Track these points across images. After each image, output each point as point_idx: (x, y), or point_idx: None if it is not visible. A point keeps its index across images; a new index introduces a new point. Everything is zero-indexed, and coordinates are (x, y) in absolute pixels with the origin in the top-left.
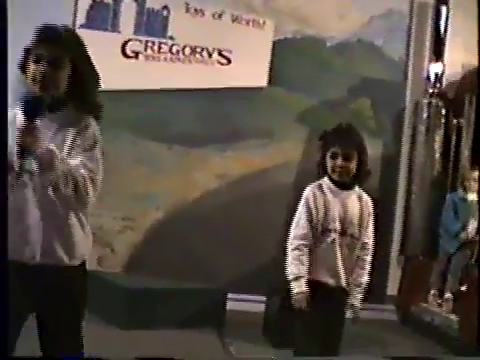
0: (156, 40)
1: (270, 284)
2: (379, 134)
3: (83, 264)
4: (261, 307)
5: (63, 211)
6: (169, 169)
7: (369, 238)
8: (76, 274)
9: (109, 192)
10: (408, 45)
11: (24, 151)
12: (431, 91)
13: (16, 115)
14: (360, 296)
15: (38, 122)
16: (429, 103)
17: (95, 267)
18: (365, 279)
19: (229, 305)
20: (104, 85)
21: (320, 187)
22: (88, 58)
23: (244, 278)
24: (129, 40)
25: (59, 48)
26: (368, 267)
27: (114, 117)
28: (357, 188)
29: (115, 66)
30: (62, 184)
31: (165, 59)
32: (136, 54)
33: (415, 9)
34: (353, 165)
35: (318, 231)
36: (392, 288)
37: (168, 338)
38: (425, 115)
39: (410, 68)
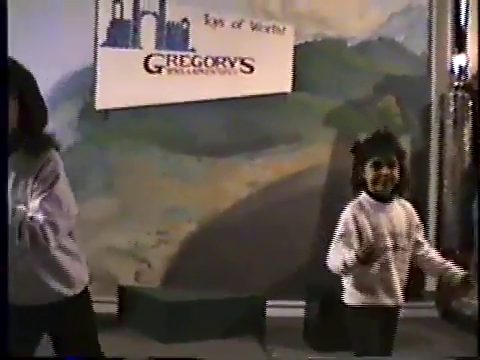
0: (178, 53)
1: (308, 288)
2: (407, 131)
3: (85, 290)
4: (300, 312)
5: (38, 252)
6: (199, 180)
7: (420, 235)
8: (81, 302)
9: (141, 207)
10: (430, 39)
11: None
12: (456, 84)
13: None
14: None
15: None
16: (455, 96)
17: (133, 283)
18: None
19: (268, 312)
20: (129, 101)
21: (360, 206)
22: (37, 90)
23: (282, 284)
24: (151, 55)
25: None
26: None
27: (142, 132)
28: (398, 198)
29: (139, 82)
30: (17, 237)
31: (188, 72)
32: (159, 69)
33: (434, 2)
34: (396, 172)
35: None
36: (430, 284)
37: (209, 349)
38: (452, 108)
39: (433, 62)
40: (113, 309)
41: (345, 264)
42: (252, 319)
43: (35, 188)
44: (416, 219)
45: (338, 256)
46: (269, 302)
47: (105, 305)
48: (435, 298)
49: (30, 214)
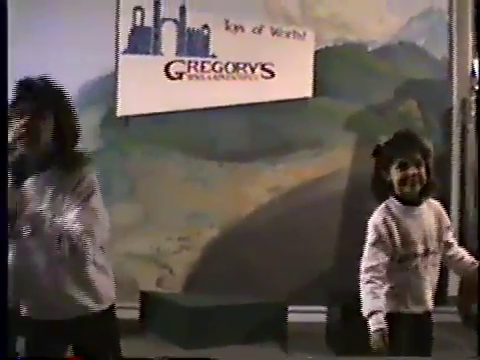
0: (199, 59)
1: (330, 293)
2: (428, 135)
3: (112, 307)
4: (322, 317)
5: (73, 265)
6: (221, 186)
7: (449, 236)
8: (107, 317)
9: (163, 213)
10: (450, 43)
11: (13, 214)
12: (478, 87)
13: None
14: None
15: (29, 185)
16: (477, 100)
17: (154, 289)
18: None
19: (290, 317)
20: (151, 108)
21: (389, 210)
22: (70, 108)
23: (303, 289)
24: (172, 62)
25: (40, 102)
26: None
27: (163, 138)
28: (426, 200)
29: (160, 88)
30: (56, 246)
31: (209, 77)
32: (180, 75)
33: (454, 5)
34: (424, 172)
35: (395, 260)
36: (453, 289)
37: (230, 355)
38: (473, 112)
39: (454, 66)
40: (135, 315)
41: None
42: (274, 324)
43: (71, 202)
44: (446, 220)
45: (369, 300)
46: (291, 307)
47: (127, 311)
48: (457, 303)
49: (68, 225)
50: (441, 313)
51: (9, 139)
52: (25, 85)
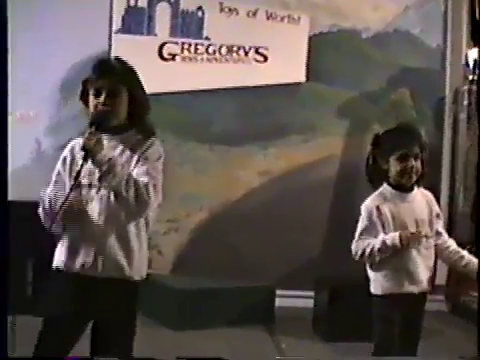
0: (192, 41)
1: (317, 279)
2: (420, 123)
3: (141, 281)
4: (310, 302)
5: (126, 223)
6: (212, 169)
7: (439, 225)
8: (135, 288)
9: None
10: (445, 32)
11: (87, 153)
12: (471, 78)
13: (74, 147)
14: None
15: (103, 135)
16: (469, 90)
17: None
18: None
19: (278, 302)
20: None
21: (383, 197)
22: (141, 85)
23: (291, 274)
24: (165, 43)
25: (116, 80)
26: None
27: (155, 120)
28: (419, 188)
29: (153, 69)
30: (124, 189)
31: (202, 60)
32: (173, 56)
33: None
34: (420, 164)
35: None
36: (440, 278)
37: (219, 337)
38: (466, 102)
39: (448, 55)
40: None
41: (384, 243)
42: (261, 309)
43: (141, 160)
44: (436, 207)
45: (366, 244)
46: (279, 292)
47: None
48: (444, 292)
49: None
50: (429, 302)
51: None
52: (102, 65)
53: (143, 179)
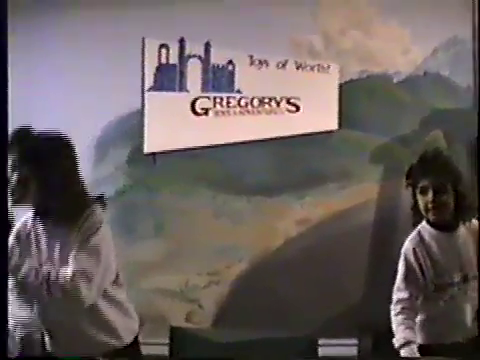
0: (224, 95)
1: (360, 326)
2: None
3: (136, 338)
4: (353, 350)
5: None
6: (249, 220)
7: None
8: (131, 350)
9: (192, 249)
10: (475, 71)
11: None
12: None
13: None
14: None
15: (21, 235)
16: None
17: (184, 324)
18: None
19: (321, 351)
20: (178, 144)
21: (420, 238)
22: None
23: (333, 322)
24: (198, 98)
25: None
26: None
27: (190, 174)
28: (466, 224)
29: (186, 125)
30: (45, 292)
31: (235, 113)
32: (206, 111)
33: (477, 33)
34: (449, 198)
35: (429, 289)
36: None
37: None
38: None
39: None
40: (164, 351)
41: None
42: (304, 359)
43: (75, 241)
44: None
45: (401, 331)
46: (321, 341)
47: (157, 347)
48: None
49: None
50: None
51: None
52: (16, 137)
53: (66, 272)
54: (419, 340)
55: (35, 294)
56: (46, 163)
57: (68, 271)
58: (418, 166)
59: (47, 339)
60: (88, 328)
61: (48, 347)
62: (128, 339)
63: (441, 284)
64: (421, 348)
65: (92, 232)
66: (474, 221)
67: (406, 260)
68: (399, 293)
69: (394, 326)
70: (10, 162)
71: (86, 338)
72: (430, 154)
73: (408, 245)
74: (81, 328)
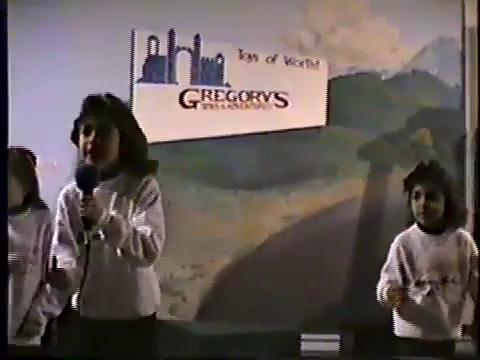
0: (213, 88)
1: (343, 322)
2: (441, 163)
3: (154, 314)
4: (336, 346)
5: (133, 268)
6: (235, 214)
7: (475, 269)
8: (149, 324)
9: (177, 241)
10: (463, 71)
11: (88, 222)
12: None
13: (68, 195)
14: None
15: (96, 192)
16: None
17: (168, 316)
18: None
19: (303, 346)
20: (165, 136)
21: (408, 237)
22: (135, 123)
23: (316, 318)
24: (186, 90)
25: (106, 118)
26: None
27: (178, 167)
28: (456, 230)
29: (174, 117)
30: (132, 248)
31: (223, 106)
32: (194, 103)
33: (467, 33)
34: (439, 205)
35: (412, 283)
36: (467, 317)
37: None
38: None
39: (467, 94)
40: None
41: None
42: (286, 353)
43: (138, 206)
44: (471, 251)
45: (381, 284)
46: (304, 336)
47: None
48: (471, 332)
49: (137, 227)
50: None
51: (80, 153)
52: (91, 102)
53: (146, 230)
54: (403, 335)
55: (115, 250)
56: (130, 116)
57: (147, 229)
58: (415, 174)
59: (81, 302)
60: (120, 291)
61: (81, 311)
62: (150, 311)
63: (420, 280)
64: (406, 341)
65: (154, 198)
66: (462, 230)
67: (391, 255)
68: (387, 275)
69: (383, 294)
70: (85, 125)
71: (120, 301)
72: (426, 164)
73: (396, 242)
74: (120, 291)
